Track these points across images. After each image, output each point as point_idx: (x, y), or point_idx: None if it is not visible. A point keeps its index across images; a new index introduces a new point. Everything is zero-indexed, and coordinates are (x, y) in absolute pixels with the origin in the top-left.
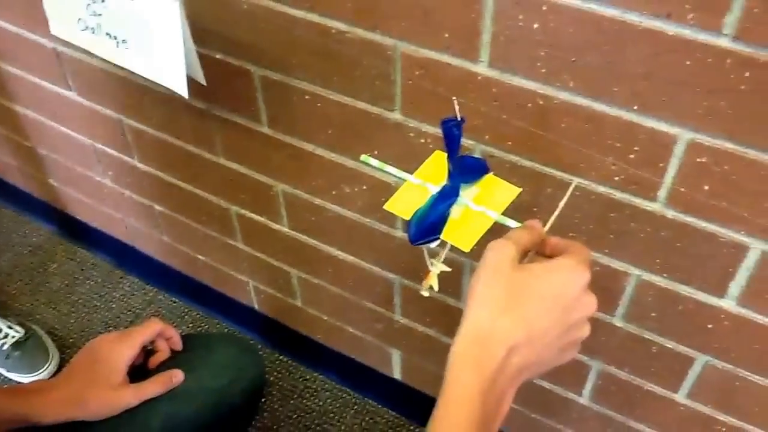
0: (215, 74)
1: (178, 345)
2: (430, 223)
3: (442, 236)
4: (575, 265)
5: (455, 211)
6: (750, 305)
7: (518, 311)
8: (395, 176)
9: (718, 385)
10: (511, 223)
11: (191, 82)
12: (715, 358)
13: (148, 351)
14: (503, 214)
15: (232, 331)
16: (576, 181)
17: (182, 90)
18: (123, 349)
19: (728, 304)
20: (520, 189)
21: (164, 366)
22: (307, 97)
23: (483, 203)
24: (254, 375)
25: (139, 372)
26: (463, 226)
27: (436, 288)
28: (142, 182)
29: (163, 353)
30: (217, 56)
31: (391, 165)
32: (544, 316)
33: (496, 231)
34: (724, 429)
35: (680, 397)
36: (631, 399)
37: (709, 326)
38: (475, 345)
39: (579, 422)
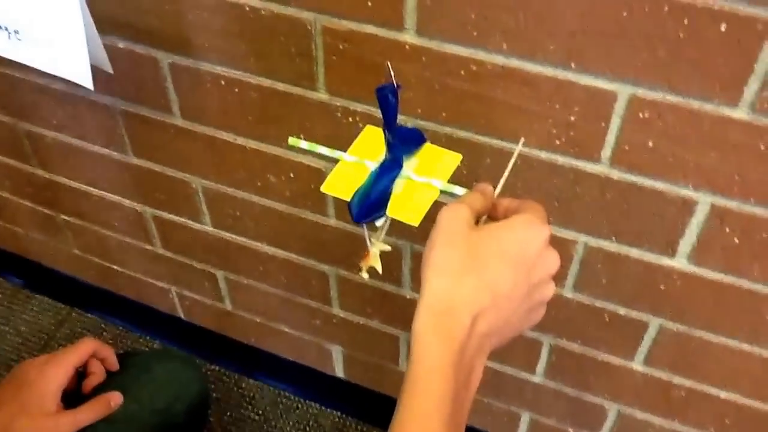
0: (119, 66)
1: (114, 365)
2: (373, 200)
3: (387, 213)
4: (533, 220)
5: (397, 186)
6: (701, 262)
7: (479, 274)
8: (328, 157)
9: (674, 347)
10: (459, 190)
11: (95, 73)
12: (670, 320)
13: (80, 374)
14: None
15: (156, 345)
16: (522, 139)
17: (86, 81)
18: (54, 373)
19: (679, 262)
20: (461, 155)
21: (100, 389)
22: (222, 82)
23: (425, 174)
24: (197, 391)
25: (72, 398)
26: (409, 199)
27: (379, 269)
28: (45, 190)
29: (97, 376)
30: (120, 45)
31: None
32: (507, 277)
33: (442, 204)
34: (683, 393)
35: (636, 364)
36: (586, 372)
37: (662, 287)
38: (439, 315)
39: (534, 402)
